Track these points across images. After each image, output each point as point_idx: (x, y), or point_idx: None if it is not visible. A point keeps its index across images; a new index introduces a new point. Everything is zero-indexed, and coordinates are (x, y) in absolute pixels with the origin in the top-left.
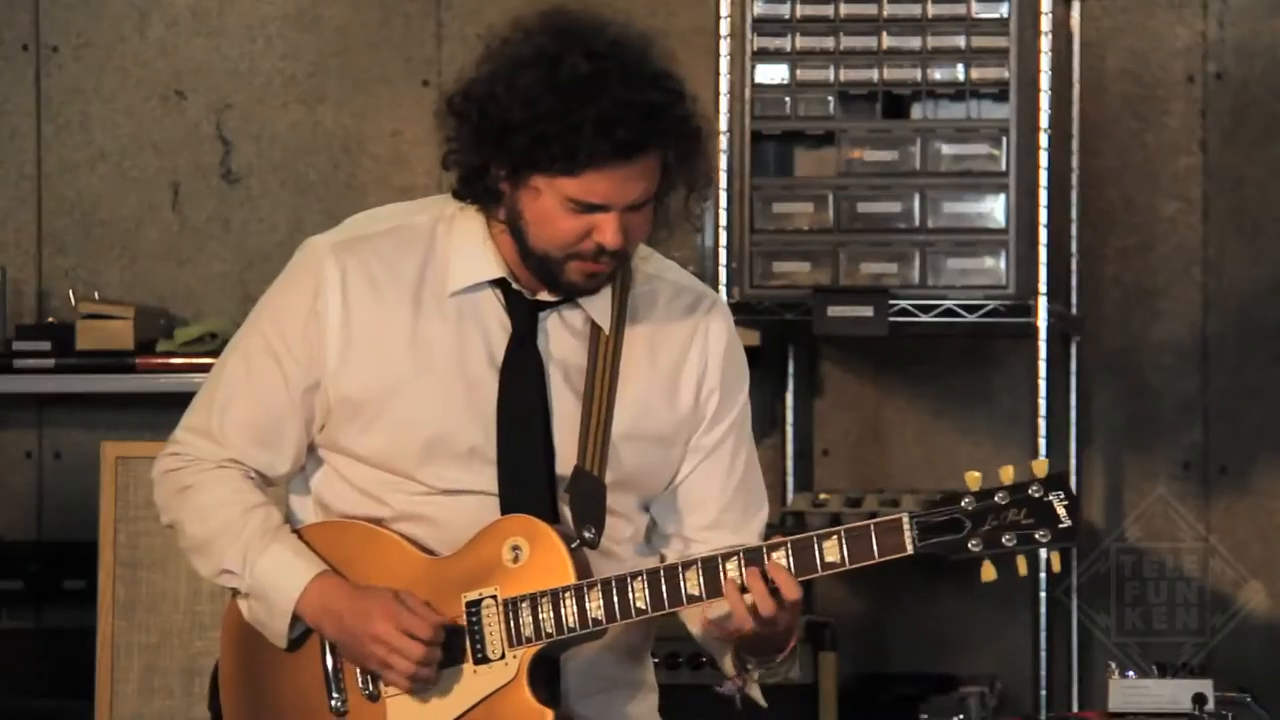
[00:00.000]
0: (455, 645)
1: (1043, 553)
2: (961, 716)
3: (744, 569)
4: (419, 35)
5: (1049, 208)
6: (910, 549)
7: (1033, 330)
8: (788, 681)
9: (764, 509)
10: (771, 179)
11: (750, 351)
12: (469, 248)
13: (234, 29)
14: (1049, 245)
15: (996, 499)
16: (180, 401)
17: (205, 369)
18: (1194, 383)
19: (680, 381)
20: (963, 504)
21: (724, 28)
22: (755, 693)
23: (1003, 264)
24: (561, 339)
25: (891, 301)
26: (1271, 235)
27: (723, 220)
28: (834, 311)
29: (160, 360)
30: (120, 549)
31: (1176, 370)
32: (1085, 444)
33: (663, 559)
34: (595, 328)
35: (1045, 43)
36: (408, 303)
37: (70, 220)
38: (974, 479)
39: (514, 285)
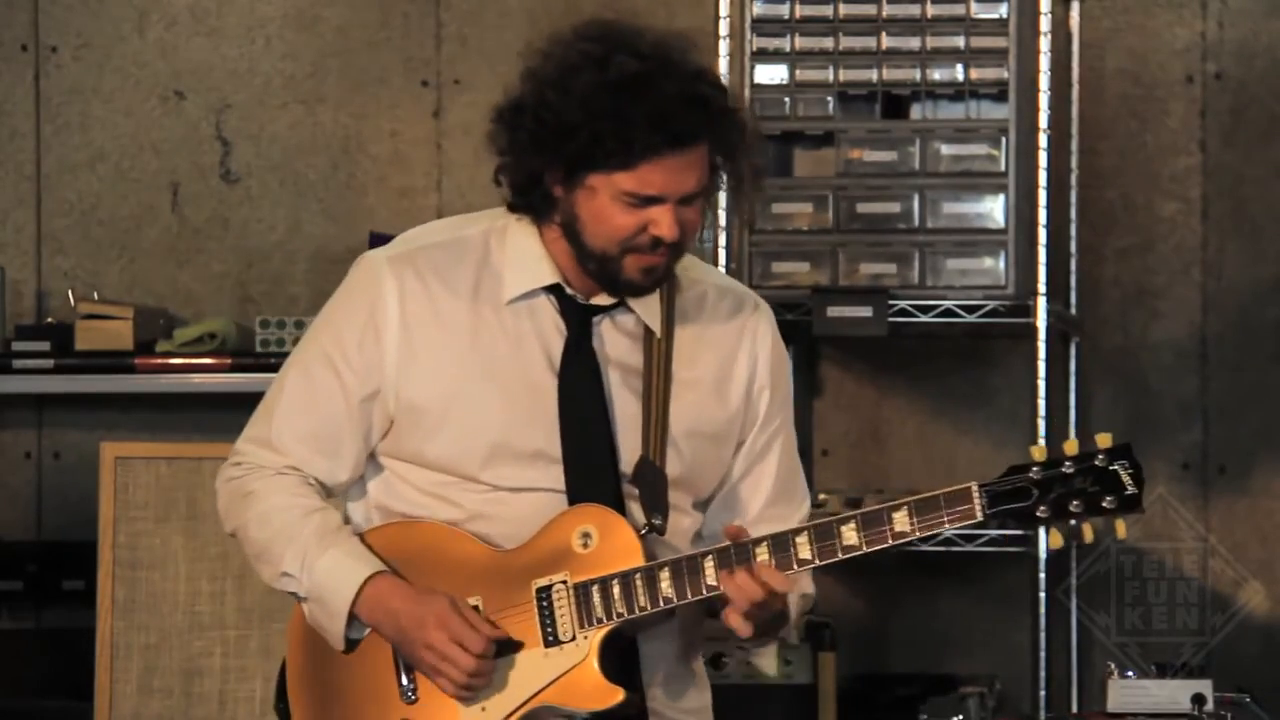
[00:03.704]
0: (523, 634)
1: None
2: (961, 717)
3: (813, 544)
4: (419, 35)
5: (1048, 208)
6: (979, 515)
7: (1032, 330)
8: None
9: (807, 500)
10: (771, 179)
11: None
12: (523, 256)
13: (233, 29)
14: (1048, 245)
15: (1064, 469)
16: (180, 402)
17: (205, 369)
18: (1194, 383)
19: (732, 381)
20: (1030, 473)
21: (723, 28)
22: (764, 663)
23: (1002, 264)
24: (615, 341)
25: (891, 301)
26: (1271, 235)
27: (722, 220)
28: (833, 312)
29: (159, 360)
30: (119, 549)
31: (1176, 370)
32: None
33: None
34: (647, 330)
35: (1044, 43)
36: (465, 311)
37: (70, 220)
38: (1039, 451)
39: (568, 290)
